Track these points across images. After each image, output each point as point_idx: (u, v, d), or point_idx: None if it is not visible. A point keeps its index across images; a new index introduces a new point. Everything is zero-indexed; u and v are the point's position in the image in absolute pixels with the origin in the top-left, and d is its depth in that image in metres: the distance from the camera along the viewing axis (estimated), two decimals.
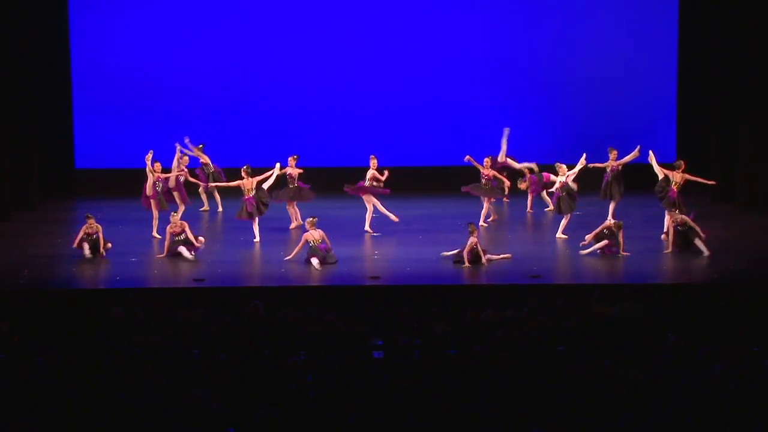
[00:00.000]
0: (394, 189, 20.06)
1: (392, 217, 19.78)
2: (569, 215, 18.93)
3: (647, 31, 23.58)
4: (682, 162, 19.00)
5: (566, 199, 18.91)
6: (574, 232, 18.80)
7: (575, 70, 23.66)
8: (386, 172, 19.97)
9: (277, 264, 17.44)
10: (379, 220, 19.76)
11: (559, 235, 18.90)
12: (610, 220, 18.12)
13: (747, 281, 16.22)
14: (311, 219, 17.69)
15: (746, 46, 21.32)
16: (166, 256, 17.79)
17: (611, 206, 19.67)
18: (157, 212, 19.20)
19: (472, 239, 17.30)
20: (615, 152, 19.72)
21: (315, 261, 17.22)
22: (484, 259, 17.29)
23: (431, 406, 10.37)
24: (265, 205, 19.11)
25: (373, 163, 19.95)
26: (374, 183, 19.90)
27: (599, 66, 23.63)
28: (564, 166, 19.18)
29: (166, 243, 17.88)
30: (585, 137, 22.89)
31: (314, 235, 17.43)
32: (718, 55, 22.26)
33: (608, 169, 19.73)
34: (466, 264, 17.16)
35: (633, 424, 9.67)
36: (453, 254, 17.57)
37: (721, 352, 11.92)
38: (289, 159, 20.06)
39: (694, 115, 23.42)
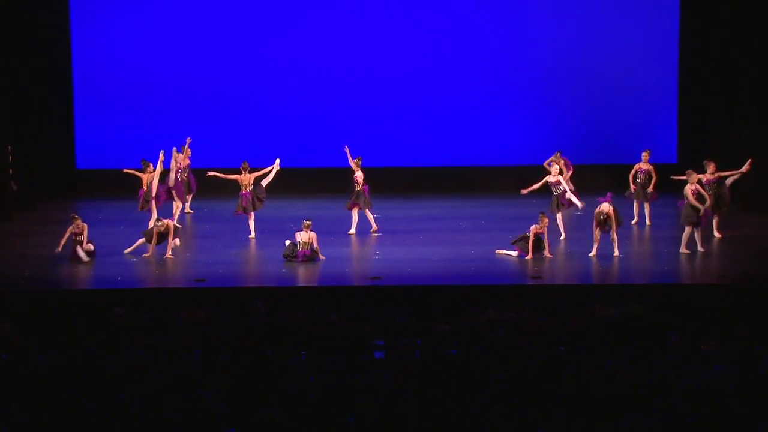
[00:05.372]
0: (395, 189, 20.00)
1: (353, 229, 19.48)
2: (560, 214, 18.87)
3: (648, 32, 23.57)
4: (710, 163, 18.75)
5: (560, 197, 18.87)
6: (576, 232, 18.80)
7: (576, 70, 23.65)
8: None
9: (278, 264, 17.44)
10: (381, 220, 19.72)
11: (562, 236, 18.86)
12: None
13: (748, 281, 16.21)
14: (307, 222, 17.68)
15: (747, 46, 21.31)
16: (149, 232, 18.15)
17: (714, 221, 18.81)
18: (156, 211, 19.32)
19: (542, 225, 17.49)
20: (713, 164, 18.76)
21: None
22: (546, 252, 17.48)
23: (433, 406, 10.37)
24: (261, 200, 19.18)
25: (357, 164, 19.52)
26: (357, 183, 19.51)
27: (600, 66, 23.62)
28: (556, 166, 19.13)
29: (151, 227, 18.24)
30: (586, 137, 22.90)
31: (303, 236, 17.54)
32: (719, 55, 22.25)
33: (704, 181, 18.42)
34: (529, 255, 17.36)
35: (635, 424, 9.67)
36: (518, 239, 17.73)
37: (723, 352, 11.94)
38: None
39: (695, 115, 23.40)
